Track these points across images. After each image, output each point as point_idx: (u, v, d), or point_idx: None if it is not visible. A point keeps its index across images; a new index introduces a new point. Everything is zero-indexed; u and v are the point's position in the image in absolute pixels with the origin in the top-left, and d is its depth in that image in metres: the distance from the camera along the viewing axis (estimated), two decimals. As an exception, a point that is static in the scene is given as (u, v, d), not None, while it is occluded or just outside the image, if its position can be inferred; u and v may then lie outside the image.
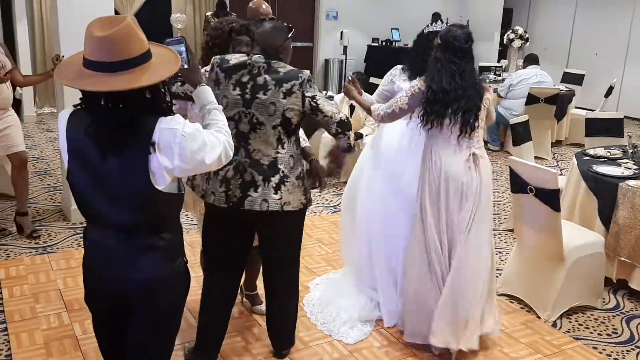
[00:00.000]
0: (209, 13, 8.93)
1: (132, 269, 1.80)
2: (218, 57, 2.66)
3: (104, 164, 1.72)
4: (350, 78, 3.30)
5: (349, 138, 2.65)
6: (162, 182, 1.74)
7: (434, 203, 2.89)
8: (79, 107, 1.78)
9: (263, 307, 3.26)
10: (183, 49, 2.03)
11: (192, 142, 1.74)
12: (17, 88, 4.91)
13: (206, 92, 2.06)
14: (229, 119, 2.31)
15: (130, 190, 1.74)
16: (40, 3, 8.53)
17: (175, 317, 1.99)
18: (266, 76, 2.53)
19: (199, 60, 2.92)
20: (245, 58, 2.61)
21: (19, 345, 2.98)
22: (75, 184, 1.80)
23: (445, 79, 2.82)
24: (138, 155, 1.70)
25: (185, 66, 2.04)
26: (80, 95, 1.78)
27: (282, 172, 2.61)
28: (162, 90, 1.79)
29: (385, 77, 3.48)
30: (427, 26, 3.34)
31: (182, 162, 1.74)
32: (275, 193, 2.60)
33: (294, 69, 2.60)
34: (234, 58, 2.63)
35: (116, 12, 8.63)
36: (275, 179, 2.59)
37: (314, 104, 2.56)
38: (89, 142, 1.72)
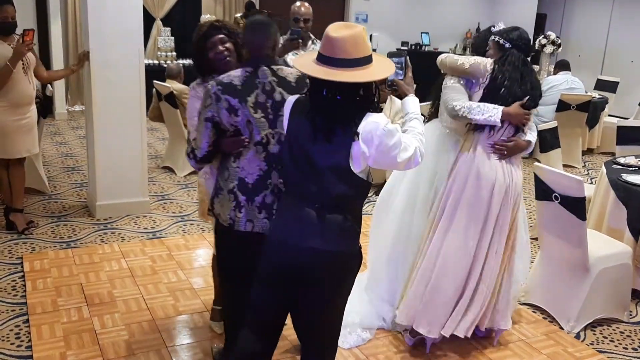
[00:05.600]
0: (238, 14, 8.97)
1: (320, 240, 2.01)
2: (214, 82, 2.36)
3: (314, 144, 1.99)
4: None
5: None
6: (358, 167, 1.99)
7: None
8: (303, 95, 2.10)
9: None
10: (403, 60, 2.31)
11: (390, 138, 1.97)
12: (48, 85, 4.98)
13: (414, 102, 2.29)
14: (257, 143, 2.33)
15: (331, 167, 1.99)
16: (75, 3, 8.70)
17: (347, 296, 2.16)
18: (280, 90, 2.39)
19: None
20: (249, 74, 2.36)
21: (40, 337, 3.02)
22: (285, 159, 2.11)
23: (513, 77, 2.88)
24: (344, 140, 1.96)
25: (401, 77, 2.33)
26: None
27: None
28: (374, 90, 2.03)
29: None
30: (493, 26, 3.31)
31: (378, 153, 1.97)
32: None
33: (298, 73, 2.45)
34: (235, 78, 2.36)
35: (146, 12, 8.77)
36: None
37: None
38: (305, 124, 2.01)
